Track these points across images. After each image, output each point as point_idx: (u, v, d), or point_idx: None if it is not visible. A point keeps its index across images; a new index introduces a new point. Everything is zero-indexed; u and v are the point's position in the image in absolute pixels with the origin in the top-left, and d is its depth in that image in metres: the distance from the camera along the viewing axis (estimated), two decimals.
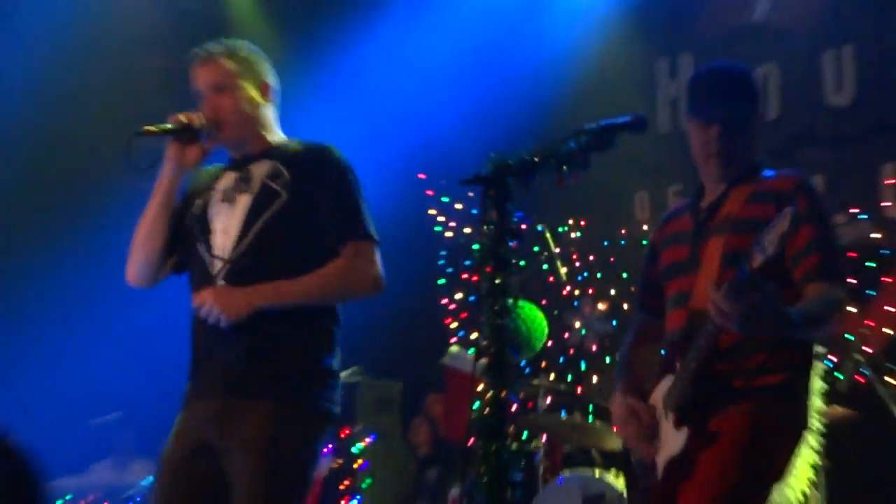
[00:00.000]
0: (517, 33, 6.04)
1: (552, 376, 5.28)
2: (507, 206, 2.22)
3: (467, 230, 5.36)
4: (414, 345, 5.81)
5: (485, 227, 2.23)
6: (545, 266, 5.18)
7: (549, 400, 4.90)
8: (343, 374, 4.38)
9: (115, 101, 5.44)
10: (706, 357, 2.39)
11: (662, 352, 2.69)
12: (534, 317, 5.16)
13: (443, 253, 5.67)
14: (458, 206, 5.44)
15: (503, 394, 2.28)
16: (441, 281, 5.65)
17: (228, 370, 2.42)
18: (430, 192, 5.77)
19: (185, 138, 2.59)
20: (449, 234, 5.55)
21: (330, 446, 4.97)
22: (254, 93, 2.62)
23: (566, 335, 5.41)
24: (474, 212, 3.06)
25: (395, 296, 5.01)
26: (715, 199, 2.62)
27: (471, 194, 2.94)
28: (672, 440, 2.56)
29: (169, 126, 2.56)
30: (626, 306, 5.14)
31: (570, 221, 5.45)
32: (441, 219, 5.76)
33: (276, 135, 2.70)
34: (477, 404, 2.32)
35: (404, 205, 5.64)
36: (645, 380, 2.74)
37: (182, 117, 2.57)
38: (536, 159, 2.25)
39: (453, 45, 6.09)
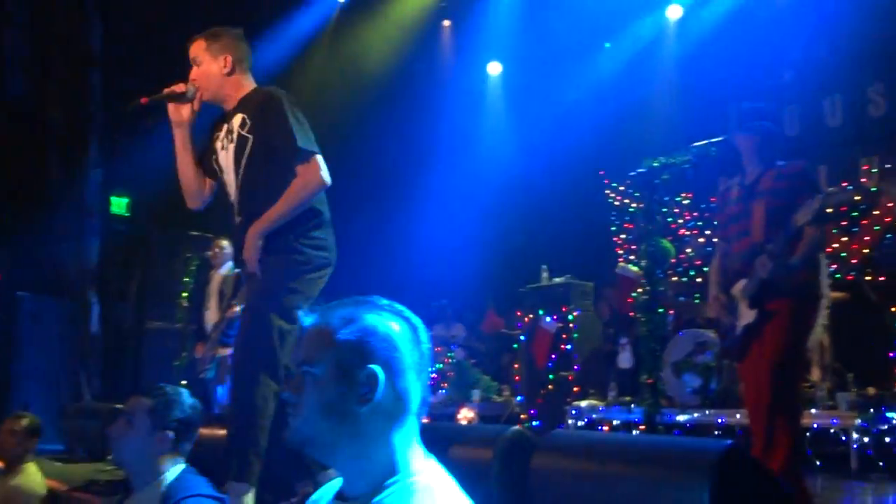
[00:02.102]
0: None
1: (675, 278, 8.35)
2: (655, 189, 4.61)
3: (626, 201, 9.29)
4: (599, 262, 9.01)
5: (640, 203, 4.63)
6: (669, 219, 8.93)
7: (671, 291, 8.45)
8: (560, 279, 8.26)
9: None
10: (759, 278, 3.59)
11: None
12: (666, 246, 8.76)
13: (613, 213, 9.59)
14: (622, 187, 9.36)
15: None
16: (613, 228, 9.59)
17: None
18: (605, 177, 9.71)
19: (177, 101, 3.31)
20: (616, 203, 9.51)
21: (555, 316, 8.09)
22: (217, 65, 3.27)
23: (682, 255, 8.55)
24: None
25: (590, 235, 8.71)
26: (754, 178, 3.80)
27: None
28: (747, 315, 3.68)
29: (161, 95, 3.29)
30: (715, 240, 8.51)
31: (683, 194, 9.03)
32: (611, 193, 9.70)
33: (246, 89, 3.32)
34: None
35: (594, 182, 9.45)
36: (725, 277, 3.94)
37: (172, 88, 3.28)
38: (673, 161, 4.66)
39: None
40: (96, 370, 7.84)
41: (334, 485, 1.50)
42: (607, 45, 10.26)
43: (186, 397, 2.66)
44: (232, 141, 3.22)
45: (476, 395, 8.12)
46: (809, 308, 3.66)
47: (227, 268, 6.68)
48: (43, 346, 7.88)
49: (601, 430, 7.30)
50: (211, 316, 6.62)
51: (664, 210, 8.54)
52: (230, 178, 3.26)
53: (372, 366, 1.38)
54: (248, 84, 3.34)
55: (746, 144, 3.81)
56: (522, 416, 7.83)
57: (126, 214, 9.55)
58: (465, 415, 7.91)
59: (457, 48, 11.40)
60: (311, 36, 10.53)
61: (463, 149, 10.79)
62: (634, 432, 6.20)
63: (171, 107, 3.32)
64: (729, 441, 2.22)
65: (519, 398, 8.17)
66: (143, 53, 8.63)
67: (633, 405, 6.53)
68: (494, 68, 11.48)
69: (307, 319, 1.47)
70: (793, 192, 3.52)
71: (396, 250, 10.17)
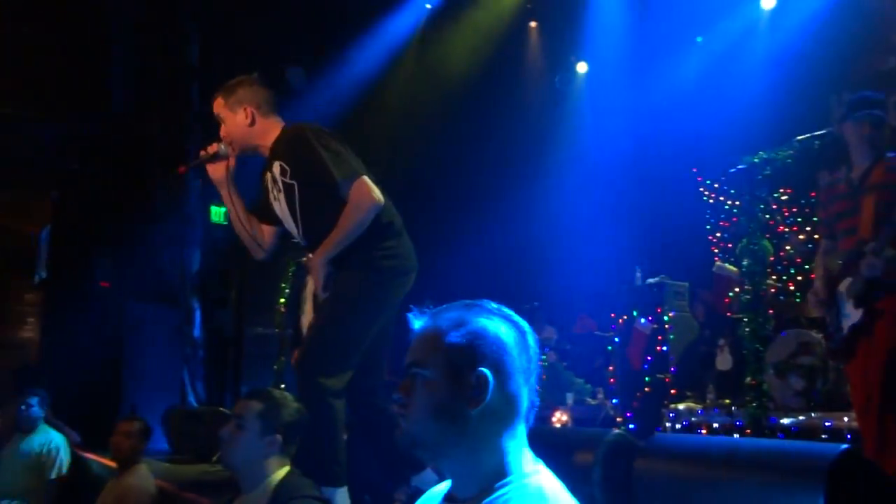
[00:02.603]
0: None
1: (774, 277, 7.94)
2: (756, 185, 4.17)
3: (721, 198, 9.08)
4: (693, 261, 8.74)
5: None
6: (767, 216, 8.68)
7: (772, 290, 8.24)
8: (654, 280, 8.11)
9: None
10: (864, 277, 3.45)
11: (840, 262, 3.72)
12: (764, 245, 8.53)
13: (708, 212, 9.39)
14: (716, 184, 9.15)
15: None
16: (708, 227, 9.37)
17: None
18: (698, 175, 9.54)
19: (214, 161, 3.34)
20: (711, 201, 9.30)
21: (650, 318, 7.94)
22: (239, 118, 3.29)
23: (781, 253, 8.28)
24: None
25: (683, 234, 8.54)
26: (863, 171, 3.61)
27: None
28: (853, 314, 3.55)
29: (197, 161, 3.38)
30: (816, 237, 7.76)
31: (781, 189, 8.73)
32: (705, 191, 9.49)
33: (275, 132, 3.29)
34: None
35: (687, 180, 9.30)
36: (830, 273, 3.80)
37: (206, 149, 3.33)
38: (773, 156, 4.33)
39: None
40: (199, 374, 8.10)
41: (443, 486, 1.51)
42: (699, 39, 10.04)
43: (292, 401, 2.71)
44: (280, 191, 3.24)
45: (569, 398, 8.06)
46: None
47: None
48: (148, 351, 8.17)
49: (700, 433, 7.15)
50: (307, 320, 6.74)
51: (761, 206, 8.53)
52: (290, 224, 3.31)
53: (482, 368, 1.39)
54: (276, 126, 3.33)
55: (855, 134, 3.64)
56: (618, 419, 7.72)
57: (224, 223, 9.84)
58: (559, 418, 7.85)
59: (543, 49, 11.34)
60: (401, 42, 10.60)
61: (551, 150, 10.74)
62: (736, 436, 6.04)
63: (208, 168, 3.36)
64: (844, 445, 2.14)
65: (614, 401, 8.06)
66: (239, 64, 8.90)
67: (734, 408, 6.37)
68: (581, 68, 11.39)
69: (417, 322, 1.48)
70: None
71: (486, 253, 10.18)
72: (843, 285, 3.61)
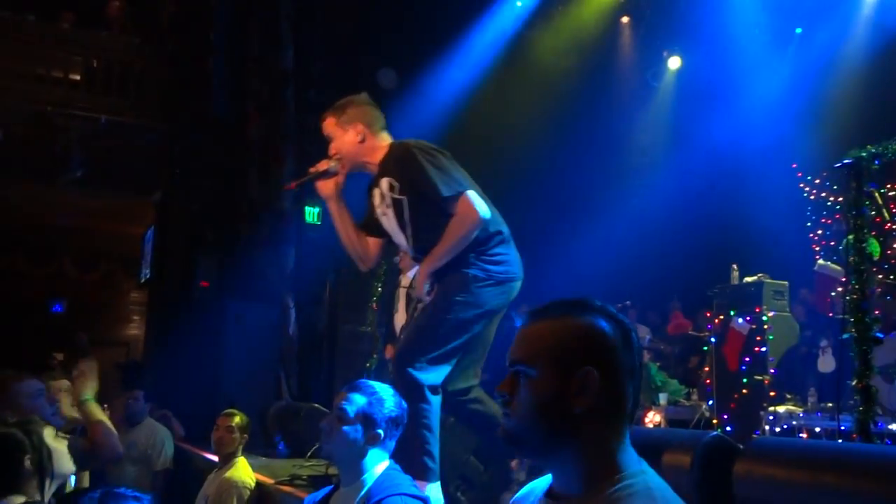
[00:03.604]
0: None
1: (881, 276, 8.00)
2: (863, 179, 3.81)
3: (823, 194, 8.75)
4: (792, 259, 8.46)
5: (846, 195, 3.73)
6: (873, 212, 8.34)
7: (878, 290, 7.91)
8: (752, 278, 7.88)
9: None
10: None
11: None
12: (871, 243, 8.22)
13: (809, 208, 9.07)
14: (817, 180, 8.81)
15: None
16: (809, 224, 9.06)
17: None
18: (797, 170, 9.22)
19: (323, 178, 3.49)
20: (812, 197, 8.98)
21: (748, 317, 7.66)
22: (350, 136, 3.42)
23: (889, 252, 7.81)
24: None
25: (782, 232, 8.26)
26: None
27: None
28: None
29: (307, 176, 3.52)
30: None
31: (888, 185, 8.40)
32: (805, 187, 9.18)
33: (384, 149, 3.41)
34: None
35: (786, 176, 9.02)
36: None
37: (316, 167, 3.48)
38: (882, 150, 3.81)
39: None
40: (294, 371, 8.28)
41: (544, 481, 1.50)
42: (798, 30, 9.72)
43: (393, 395, 2.71)
44: (389, 206, 3.36)
45: (663, 398, 7.91)
46: None
47: (414, 272, 6.86)
48: (246, 348, 8.38)
49: (801, 437, 6.92)
50: (399, 319, 6.81)
51: (867, 203, 8.20)
52: (400, 239, 3.44)
53: (588, 366, 1.38)
54: (385, 143, 3.44)
55: None
56: (714, 421, 7.54)
57: (318, 223, 10.08)
58: (652, 419, 7.72)
59: (635, 44, 11.19)
60: (497, 46, 10.60)
61: (645, 147, 10.57)
62: (840, 441, 5.83)
63: (318, 184, 3.50)
64: None
65: (710, 402, 7.88)
66: (331, 68, 9.05)
67: (838, 412, 6.15)
68: (674, 62, 11.18)
69: (521, 320, 1.48)
70: None
71: (578, 251, 10.10)
72: None
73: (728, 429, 7.32)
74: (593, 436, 1.37)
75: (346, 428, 2.61)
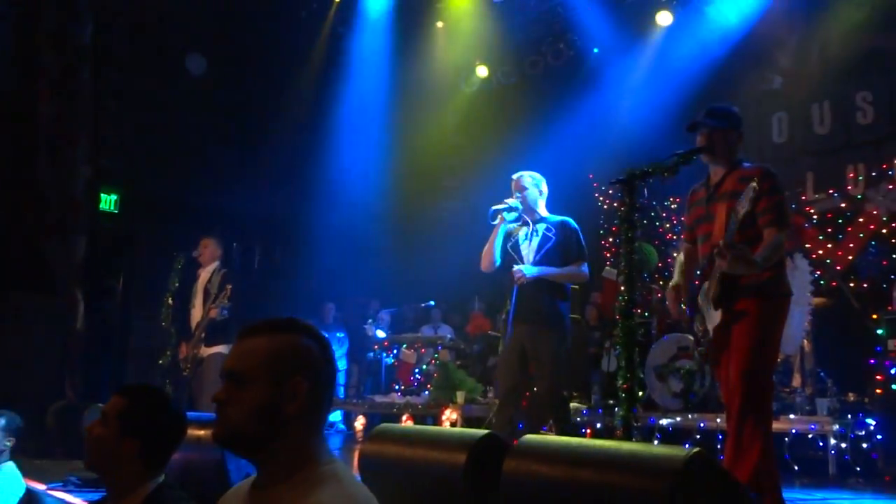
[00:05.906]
0: None
1: (661, 282, 8.72)
2: (635, 194, 3.47)
3: (615, 204, 9.31)
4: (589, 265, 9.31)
5: (623, 207, 3.50)
6: (657, 223, 9.01)
7: (659, 295, 8.60)
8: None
9: None
10: (722, 274, 3.49)
11: (698, 271, 3.87)
12: (649, 251, 8.86)
13: (602, 217, 9.62)
14: (610, 191, 9.38)
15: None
16: (602, 231, 9.60)
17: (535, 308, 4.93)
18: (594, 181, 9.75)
19: (508, 211, 5.14)
20: (605, 206, 9.53)
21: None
22: (534, 193, 5.16)
23: (669, 259, 8.57)
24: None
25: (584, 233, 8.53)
26: (718, 179, 3.78)
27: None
28: (714, 317, 3.67)
29: (503, 209, 5.11)
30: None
31: (671, 198, 9.14)
32: (599, 197, 9.72)
33: (543, 210, 5.19)
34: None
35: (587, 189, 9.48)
36: (688, 278, 4.03)
37: (506, 200, 5.11)
38: (649, 169, 3.42)
39: None
40: (79, 367, 7.80)
41: (245, 481, 1.75)
42: (595, 49, 10.27)
43: (164, 402, 2.45)
44: (538, 235, 5.03)
45: (460, 396, 8.12)
46: (776, 307, 3.59)
47: (212, 267, 6.68)
48: (25, 343, 7.81)
49: (584, 433, 7.34)
50: (195, 314, 6.61)
51: (652, 214, 8.79)
52: (527, 257, 5.03)
53: (298, 376, 1.64)
54: (544, 204, 5.18)
55: (716, 142, 3.75)
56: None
57: (115, 211, 9.56)
58: (449, 416, 7.91)
59: None
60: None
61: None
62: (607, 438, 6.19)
63: (500, 216, 5.06)
64: (695, 448, 2.23)
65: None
66: (134, 48, 8.57)
67: (616, 408, 6.55)
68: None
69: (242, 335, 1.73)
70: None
71: (394, 258, 10.20)
72: (704, 290, 3.72)
73: (519, 426, 7.62)
74: (298, 434, 1.63)
75: (108, 434, 2.34)
